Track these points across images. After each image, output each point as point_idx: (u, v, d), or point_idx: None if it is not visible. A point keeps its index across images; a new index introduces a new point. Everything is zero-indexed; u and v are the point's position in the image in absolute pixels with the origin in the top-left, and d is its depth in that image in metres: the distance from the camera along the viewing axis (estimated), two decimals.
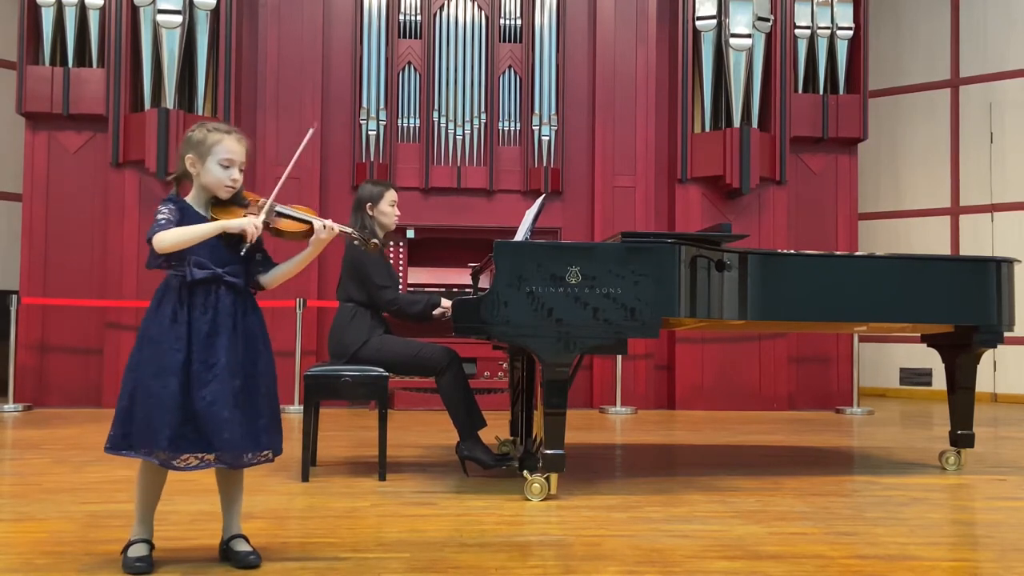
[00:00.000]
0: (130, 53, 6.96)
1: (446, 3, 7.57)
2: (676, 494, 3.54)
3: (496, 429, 4.51)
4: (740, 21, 7.31)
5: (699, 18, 7.42)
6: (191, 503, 3.16)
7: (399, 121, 7.47)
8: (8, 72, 7.79)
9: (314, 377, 3.80)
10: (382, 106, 7.41)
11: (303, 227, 2.51)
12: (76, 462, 4.21)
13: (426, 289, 6.89)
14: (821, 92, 7.66)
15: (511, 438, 4.60)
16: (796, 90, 7.64)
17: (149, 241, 2.34)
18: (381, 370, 3.82)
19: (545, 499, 3.36)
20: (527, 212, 3.87)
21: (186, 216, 2.40)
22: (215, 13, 7.04)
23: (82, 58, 7.12)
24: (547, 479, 3.39)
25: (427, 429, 5.67)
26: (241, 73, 7.26)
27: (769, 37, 7.44)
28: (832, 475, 4.11)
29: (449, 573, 2.38)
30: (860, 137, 7.68)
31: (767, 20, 7.42)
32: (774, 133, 7.43)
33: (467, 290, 5.77)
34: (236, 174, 2.44)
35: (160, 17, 6.84)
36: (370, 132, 7.33)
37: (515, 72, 7.59)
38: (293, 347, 6.83)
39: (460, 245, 7.14)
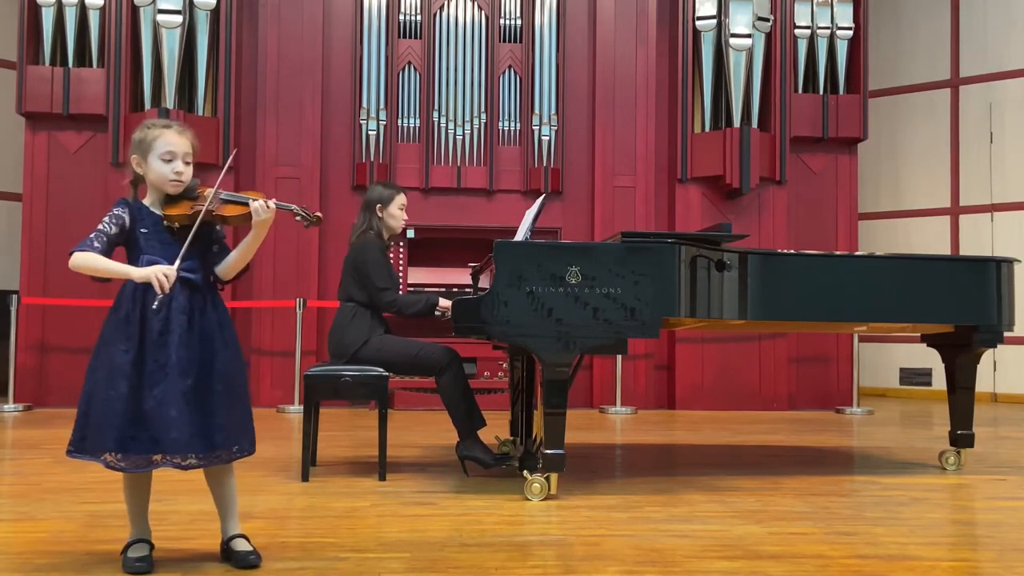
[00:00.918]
0: (130, 53, 6.96)
1: (446, 3, 7.57)
2: (676, 494, 3.54)
3: (496, 429, 4.51)
4: (740, 21, 7.31)
5: (699, 18, 7.42)
6: (191, 503, 3.16)
7: (399, 121, 7.47)
8: (8, 72, 7.79)
9: (314, 377, 3.80)
10: (382, 106, 7.41)
11: (244, 210, 2.45)
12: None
13: (426, 289, 6.88)
14: (821, 92, 7.66)
15: (511, 438, 4.60)
16: (796, 90, 7.64)
17: (71, 253, 2.35)
18: (381, 370, 3.83)
19: (545, 499, 3.36)
20: (527, 212, 3.88)
21: (138, 218, 2.41)
22: (215, 13, 7.04)
23: (82, 58, 7.12)
24: (547, 479, 3.39)
25: (427, 429, 5.67)
26: (241, 73, 7.27)
27: (769, 37, 7.44)
28: (832, 475, 4.11)
29: (449, 573, 2.38)
30: (860, 137, 7.68)
31: (767, 20, 7.42)
32: (774, 133, 7.43)
33: (467, 290, 5.77)
34: (180, 167, 2.42)
35: (160, 17, 6.84)
36: (370, 132, 7.33)
37: (515, 72, 7.59)
38: (293, 347, 6.82)
39: (460, 245, 7.14)
